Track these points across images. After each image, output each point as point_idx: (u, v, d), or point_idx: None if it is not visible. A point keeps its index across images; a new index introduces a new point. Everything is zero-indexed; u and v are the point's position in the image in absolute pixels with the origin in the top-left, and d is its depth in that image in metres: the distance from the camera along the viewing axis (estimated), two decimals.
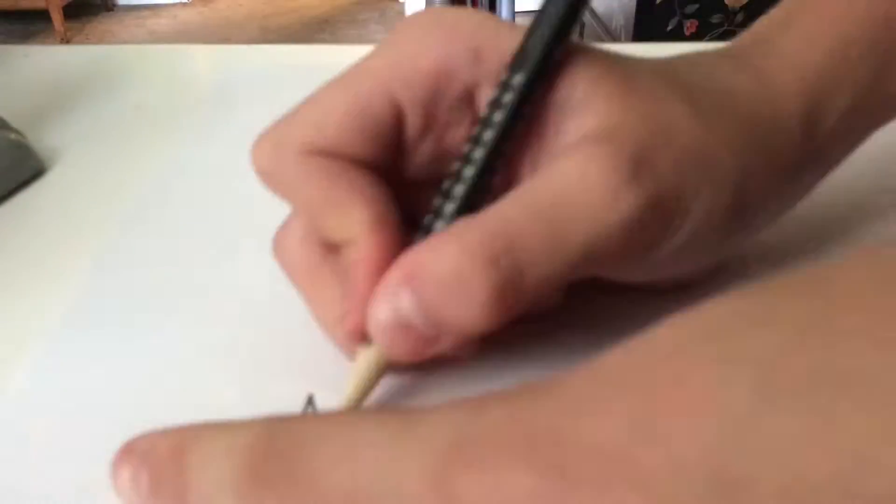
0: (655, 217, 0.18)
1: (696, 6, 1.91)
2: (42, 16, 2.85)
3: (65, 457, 0.20)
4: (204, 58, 0.48)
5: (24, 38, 2.91)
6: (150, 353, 0.24)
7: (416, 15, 0.21)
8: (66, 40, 2.83)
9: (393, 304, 0.18)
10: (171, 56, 0.48)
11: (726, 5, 1.91)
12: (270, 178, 0.21)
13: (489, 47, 0.20)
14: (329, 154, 0.20)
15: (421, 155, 0.21)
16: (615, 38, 2.07)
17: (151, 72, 0.45)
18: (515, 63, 0.19)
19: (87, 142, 0.37)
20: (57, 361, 0.23)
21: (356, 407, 0.20)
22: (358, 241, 0.20)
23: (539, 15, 0.19)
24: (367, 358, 0.20)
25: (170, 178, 0.33)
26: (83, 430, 0.21)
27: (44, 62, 0.47)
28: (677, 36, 1.93)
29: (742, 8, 1.91)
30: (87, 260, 0.28)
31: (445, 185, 0.20)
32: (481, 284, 0.17)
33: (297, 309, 0.25)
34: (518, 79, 0.19)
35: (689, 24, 1.93)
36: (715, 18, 1.92)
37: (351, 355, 0.21)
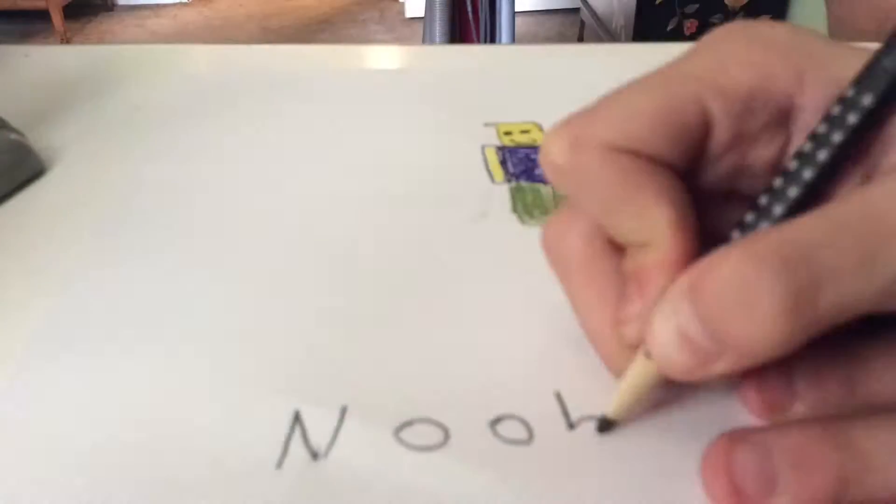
0: None
1: (696, 6, 1.91)
2: (42, 16, 2.85)
3: (49, 457, 0.20)
4: (204, 58, 0.48)
5: (24, 38, 2.91)
6: (137, 358, 0.24)
7: (734, 25, 0.21)
8: (66, 40, 2.82)
9: (674, 313, 0.17)
10: (171, 56, 0.48)
11: (726, 5, 1.91)
12: (564, 174, 0.20)
13: (814, 70, 0.19)
14: (632, 153, 0.19)
15: (721, 168, 0.20)
16: (615, 38, 2.07)
17: (151, 72, 0.45)
18: (861, 82, 0.18)
19: (87, 142, 0.37)
20: (45, 363, 0.23)
21: (623, 419, 0.20)
22: (657, 242, 0.19)
23: (892, 38, 0.18)
24: (641, 369, 0.19)
25: (169, 177, 0.33)
26: (74, 430, 0.21)
27: (44, 62, 0.47)
28: (677, 36, 1.93)
29: (742, 8, 1.91)
30: (87, 260, 0.28)
31: (763, 200, 0.19)
32: (770, 293, 0.15)
33: (287, 321, 0.25)
34: (866, 100, 0.18)
35: (689, 24, 1.93)
36: (715, 18, 1.92)
37: (614, 367, 0.20)
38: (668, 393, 0.21)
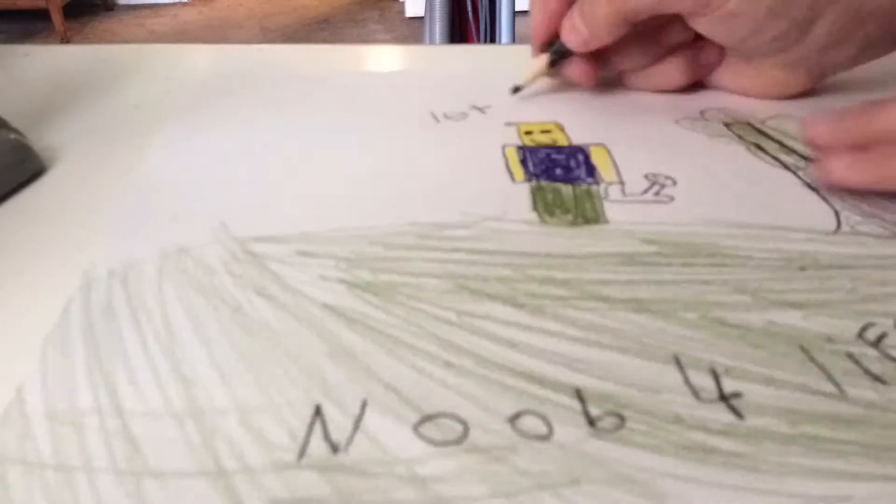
0: None
1: None
2: (42, 15, 2.85)
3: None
4: (204, 58, 0.48)
5: (24, 37, 2.91)
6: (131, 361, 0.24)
7: None
8: (66, 40, 2.83)
9: (570, 17, 0.36)
10: (171, 56, 0.48)
11: None
12: None
13: None
14: None
15: None
16: None
17: (151, 71, 0.45)
18: None
19: (87, 142, 0.37)
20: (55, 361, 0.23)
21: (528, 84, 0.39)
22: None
23: None
24: (542, 59, 0.38)
25: (168, 177, 0.33)
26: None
27: (44, 62, 0.47)
28: None
29: None
30: (86, 260, 0.28)
31: None
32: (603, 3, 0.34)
33: (311, 322, 0.25)
34: None
35: None
36: None
37: (535, 45, 0.39)
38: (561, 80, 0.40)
